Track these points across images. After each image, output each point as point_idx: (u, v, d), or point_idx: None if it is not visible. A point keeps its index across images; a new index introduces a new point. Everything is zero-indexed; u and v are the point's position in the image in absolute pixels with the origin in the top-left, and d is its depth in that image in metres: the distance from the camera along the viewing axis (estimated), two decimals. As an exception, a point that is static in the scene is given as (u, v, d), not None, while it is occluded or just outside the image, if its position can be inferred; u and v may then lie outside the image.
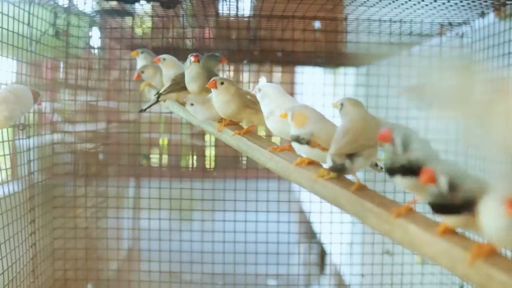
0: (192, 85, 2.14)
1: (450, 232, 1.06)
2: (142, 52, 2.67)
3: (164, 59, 2.37)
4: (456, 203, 1.02)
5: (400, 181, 1.17)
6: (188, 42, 3.38)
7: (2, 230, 2.29)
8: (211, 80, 1.85)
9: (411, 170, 1.14)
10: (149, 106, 2.44)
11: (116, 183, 3.58)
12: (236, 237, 3.36)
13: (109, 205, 3.47)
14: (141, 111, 2.48)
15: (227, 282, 3.39)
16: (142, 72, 2.55)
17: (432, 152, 1.16)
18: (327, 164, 1.35)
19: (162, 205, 3.41)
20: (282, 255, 3.49)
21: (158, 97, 2.32)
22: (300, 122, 1.43)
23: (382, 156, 1.23)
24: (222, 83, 1.83)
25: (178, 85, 2.21)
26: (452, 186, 1.02)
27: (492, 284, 0.89)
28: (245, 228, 3.36)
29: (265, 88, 1.69)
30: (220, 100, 1.85)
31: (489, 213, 0.93)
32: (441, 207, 1.05)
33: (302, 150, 1.44)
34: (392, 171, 1.17)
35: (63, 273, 3.19)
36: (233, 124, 1.95)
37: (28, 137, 2.68)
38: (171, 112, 2.75)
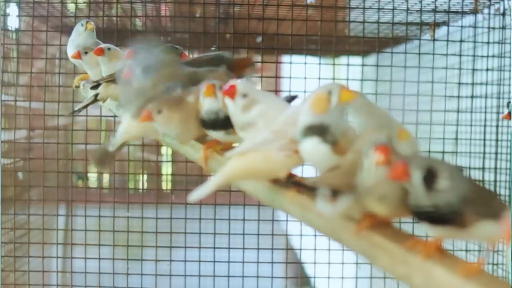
0: None
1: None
2: (90, 22, 2.62)
3: (109, 49, 2.34)
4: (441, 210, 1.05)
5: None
6: (138, 22, 3.37)
7: None
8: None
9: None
10: (85, 106, 2.42)
11: (41, 210, 3.54)
12: (202, 283, 3.33)
13: (31, 240, 3.43)
14: (74, 112, 2.47)
15: None
16: (86, 53, 2.50)
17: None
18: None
19: (103, 239, 3.38)
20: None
21: (96, 96, 2.31)
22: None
23: None
24: None
25: None
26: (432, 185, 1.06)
27: None
28: (213, 271, 3.33)
29: (253, 93, 1.58)
30: None
31: None
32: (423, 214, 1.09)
33: None
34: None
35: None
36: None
37: None
38: (114, 116, 2.72)
